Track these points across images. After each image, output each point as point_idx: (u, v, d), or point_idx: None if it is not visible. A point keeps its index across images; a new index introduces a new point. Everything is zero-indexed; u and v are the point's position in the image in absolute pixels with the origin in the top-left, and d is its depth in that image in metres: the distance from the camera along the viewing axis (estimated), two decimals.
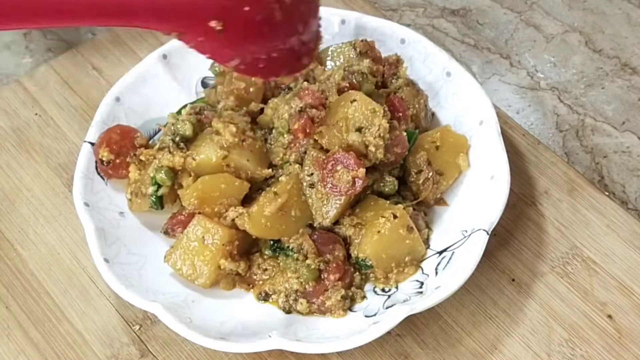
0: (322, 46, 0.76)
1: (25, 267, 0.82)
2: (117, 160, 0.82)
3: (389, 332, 0.71)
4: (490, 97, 0.84)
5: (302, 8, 0.66)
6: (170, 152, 0.80)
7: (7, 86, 0.98)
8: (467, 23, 1.05)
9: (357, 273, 0.77)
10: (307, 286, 0.75)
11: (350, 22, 0.92)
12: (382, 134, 0.75)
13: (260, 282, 0.78)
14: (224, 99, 0.84)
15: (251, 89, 0.84)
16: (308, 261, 0.75)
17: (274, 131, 0.81)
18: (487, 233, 0.75)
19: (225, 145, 0.78)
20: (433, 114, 0.88)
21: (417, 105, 0.85)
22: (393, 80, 0.87)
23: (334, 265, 0.75)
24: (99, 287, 0.80)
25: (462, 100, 0.86)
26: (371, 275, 0.77)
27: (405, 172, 0.82)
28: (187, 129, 0.81)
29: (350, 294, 0.76)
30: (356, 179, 0.74)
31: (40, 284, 0.81)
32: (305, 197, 0.77)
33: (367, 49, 0.86)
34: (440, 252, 0.77)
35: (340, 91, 0.80)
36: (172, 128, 0.82)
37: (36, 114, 0.94)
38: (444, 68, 0.87)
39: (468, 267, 0.73)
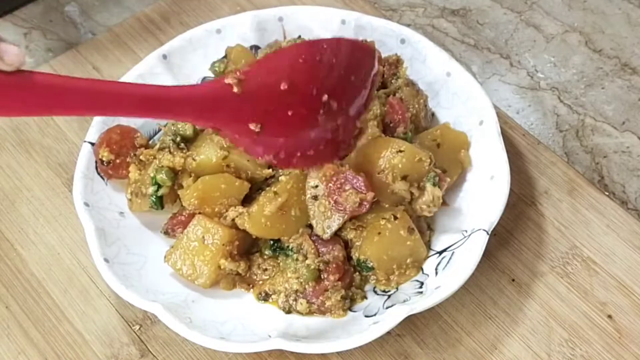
0: None
1: (25, 267, 0.82)
2: (117, 160, 0.82)
3: (389, 332, 0.71)
4: (490, 97, 0.84)
5: (348, 85, 0.66)
6: (170, 152, 0.80)
7: None
8: (467, 23, 1.05)
9: (357, 273, 0.77)
10: (307, 286, 0.75)
11: (350, 22, 0.91)
12: (436, 204, 0.76)
13: (260, 282, 0.78)
14: None
15: None
16: (308, 261, 0.75)
17: None
18: (487, 233, 0.75)
19: (225, 146, 0.78)
20: (433, 114, 0.88)
21: (417, 105, 0.85)
22: (393, 81, 0.87)
23: (334, 265, 0.75)
24: (99, 287, 0.80)
25: (462, 100, 0.86)
26: (372, 277, 0.77)
27: None
28: (187, 129, 0.81)
29: (350, 294, 0.76)
30: (364, 202, 0.74)
31: (40, 284, 0.81)
32: (305, 206, 0.77)
33: None
34: (440, 252, 0.77)
35: None
36: (173, 128, 0.82)
37: None
38: (444, 68, 0.87)
39: (468, 267, 0.73)
